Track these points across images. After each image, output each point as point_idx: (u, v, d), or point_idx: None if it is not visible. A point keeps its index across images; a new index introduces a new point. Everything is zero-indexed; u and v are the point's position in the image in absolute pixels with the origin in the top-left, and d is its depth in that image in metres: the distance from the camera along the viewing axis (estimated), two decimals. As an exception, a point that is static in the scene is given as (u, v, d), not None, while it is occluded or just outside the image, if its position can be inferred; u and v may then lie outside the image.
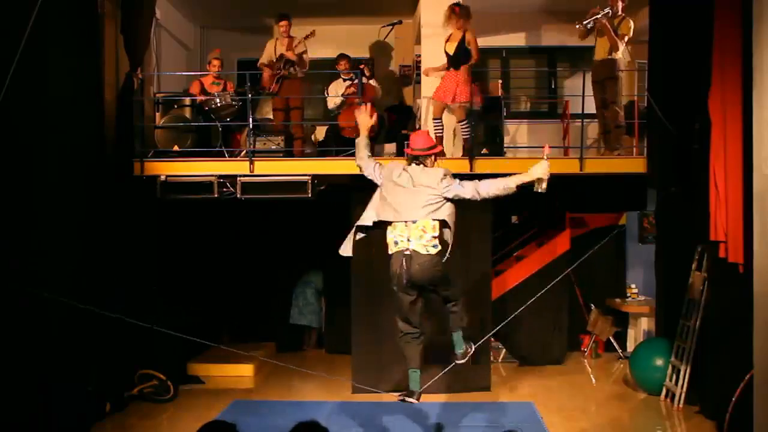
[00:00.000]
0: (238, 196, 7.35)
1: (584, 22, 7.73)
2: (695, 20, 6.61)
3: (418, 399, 5.41)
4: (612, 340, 9.33)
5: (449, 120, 7.94)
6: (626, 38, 7.71)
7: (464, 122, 7.66)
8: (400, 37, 9.83)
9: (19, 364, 5.58)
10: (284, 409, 7.14)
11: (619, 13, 7.76)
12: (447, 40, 7.68)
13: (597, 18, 7.69)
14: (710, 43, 6.26)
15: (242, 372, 8.64)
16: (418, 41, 9.04)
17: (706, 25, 6.33)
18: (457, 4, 7.71)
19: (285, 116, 8.32)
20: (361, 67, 8.26)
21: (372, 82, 8.52)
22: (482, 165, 7.43)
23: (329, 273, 9.26)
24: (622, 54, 7.75)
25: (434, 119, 7.83)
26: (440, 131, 7.82)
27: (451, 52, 7.60)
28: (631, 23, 7.72)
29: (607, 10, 7.70)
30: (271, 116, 8.89)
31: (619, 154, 7.79)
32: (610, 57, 7.74)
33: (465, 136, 7.70)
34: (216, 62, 8.34)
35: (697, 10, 6.58)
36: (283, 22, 8.30)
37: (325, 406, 7.28)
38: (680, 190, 7.16)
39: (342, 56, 8.64)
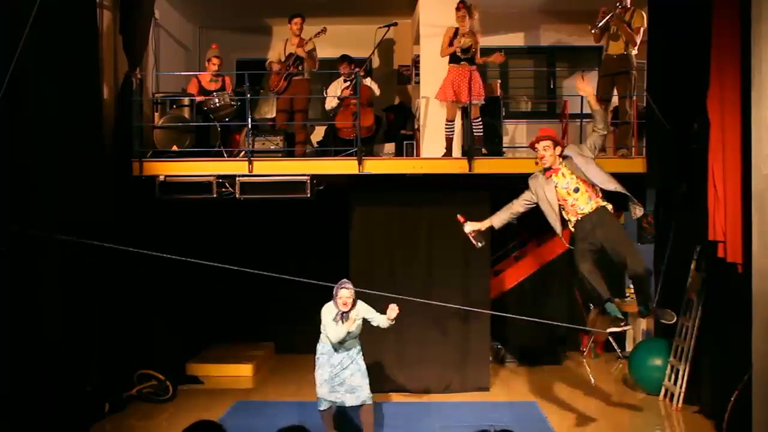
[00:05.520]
0: (237, 196, 7.35)
1: (598, 25, 7.63)
2: (694, 20, 6.61)
3: (627, 323, 5.84)
4: (611, 340, 9.33)
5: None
6: (642, 30, 7.61)
7: (478, 119, 7.67)
8: (398, 37, 9.83)
9: (18, 365, 5.57)
10: (287, 409, 7.13)
11: (628, 5, 7.71)
12: (454, 37, 7.63)
13: (610, 17, 7.62)
14: (709, 43, 6.26)
15: (241, 372, 8.64)
16: (417, 41, 9.03)
17: (704, 25, 6.33)
18: (462, 2, 7.70)
19: (288, 117, 8.30)
20: (357, 69, 8.26)
21: (367, 81, 8.50)
22: (481, 165, 7.43)
23: (328, 272, 9.24)
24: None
25: (449, 121, 7.81)
26: (452, 133, 7.81)
27: (467, 48, 7.58)
28: (644, 14, 7.61)
29: (617, 5, 7.64)
30: (269, 116, 8.87)
31: (623, 155, 7.75)
32: (626, 53, 7.67)
33: (479, 134, 7.69)
34: (216, 60, 8.32)
35: (695, 11, 6.58)
36: (297, 20, 8.25)
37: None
38: (686, 190, 7.16)
39: (344, 58, 8.62)
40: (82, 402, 6.53)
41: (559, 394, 7.77)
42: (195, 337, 9.03)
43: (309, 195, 7.32)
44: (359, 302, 6.04)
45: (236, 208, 8.08)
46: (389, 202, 7.81)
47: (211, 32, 10.27)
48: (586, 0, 8.33)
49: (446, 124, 7.84)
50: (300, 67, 8.23)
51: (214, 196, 7.35)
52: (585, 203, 5.67)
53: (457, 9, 7.63)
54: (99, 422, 6.79)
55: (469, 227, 5.94)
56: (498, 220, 6.01)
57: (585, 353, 9.41)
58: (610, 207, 5.69)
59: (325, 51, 9.30)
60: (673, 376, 7.28)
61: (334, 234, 8.50)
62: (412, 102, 9.60)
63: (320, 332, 6.05)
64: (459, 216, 5.97)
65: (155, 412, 7.26)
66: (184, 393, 7.82)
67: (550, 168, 5.74)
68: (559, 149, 5.73)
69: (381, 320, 6.03)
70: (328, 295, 6.06)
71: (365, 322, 6.06)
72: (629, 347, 9.23)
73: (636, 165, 7.57)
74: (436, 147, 7.94)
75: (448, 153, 7.80)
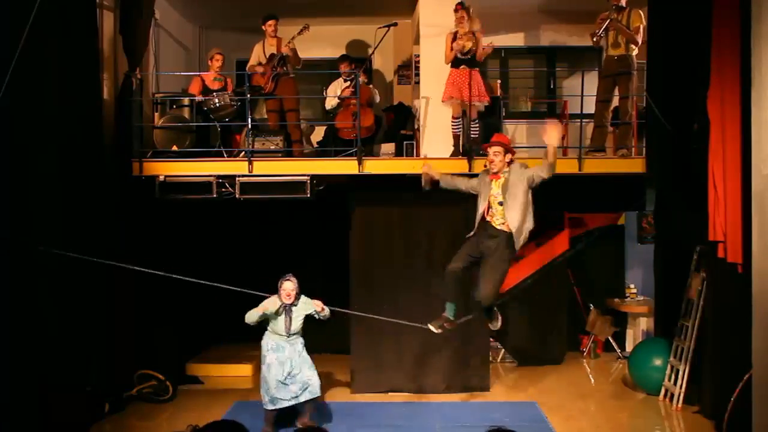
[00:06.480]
0: (237, 196, 7.35)
1: (598, 33, 7.57)
2: (694, 20, 6.62)
3: (440, 328, 6.26)
4: (611, 340, 9.33)
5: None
6: (641, 28, 7.55)
7: (475, 121, 7.68)
8: (398, 37, 9.82)
9: (18, 364, 5.57)
10: (286, 409, 7.09)
11: (624, 6, 7.69)
12: (457, 38, 7.63)
13: (608, 23, 7.58)
14: (709, 43, 6.27)
15: (241, 372, 8.64)
16: (416, 41, 9.04)
17: (704, 26, 6.34)
18: (461, 3, 7.69)
19: (280, 117, 8.31)
20: (357, 69, 8.24)
21: (369, 87, 8.51)
22: (481, 165, 7.41)
23: (328, 273, 9.26)
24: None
25: (455, 118, 7.81)
26: (459, 130, 7.82)
27: (467, 50, 7.58)
28: (641, 12, 7.56)
29: (613, 9, 7.61)
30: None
31: (623, 155, 7.75)
32: (627, 53, 7.62)
33: (475, 136, 7.70)
34: (219, 57, 8.32)
35: (695, 11, 6.58)
36: (271, 22, 8.24)
37: (325, 406, 7.26)
38: (672, 193, 7.15)
39: (344, 58, 8.62)
40: (82, 402, 6.53)
41: (559, 394, 7.77)
42: (195, 337, 9.03)
43: (309, 195, 7.32)
44: (303, 297, 6.31)
45: (236, 208, 8.08)
46: (389, 202, 7.80)
47: (211, 32, 10.28)
48: (586, 0, 8.33)
49: (452, 122, 7.83)
50: (285, 67, 8.22)
51: (214, 196, 7.35)
52: (501, 217, 5.96)
53: (455, 10, 7.64)
54: (99, 422, 6.79)
55: (426, 168, 6.30)
56: (444, 181, 6.29)
57: (585, 353, 9.40)
58: (519, 237, 5.97)
59: (325, 51, 9.31)
60: (673, 376, 7.29)
61: (334, 234, 8.49)
62: (411, 102, 9.60)
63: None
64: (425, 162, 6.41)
65: (155, 412, 7.26)
66: (184, 393, 7.82)
67: (496, 173, 5.99)
68: (509, 156, 5.98)
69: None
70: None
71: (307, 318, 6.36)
72: (629, 347, 9.23)
73: (636, 165, 7.57)
74: (436, 147, 7.93)
75: (456, 150, 7.79)
